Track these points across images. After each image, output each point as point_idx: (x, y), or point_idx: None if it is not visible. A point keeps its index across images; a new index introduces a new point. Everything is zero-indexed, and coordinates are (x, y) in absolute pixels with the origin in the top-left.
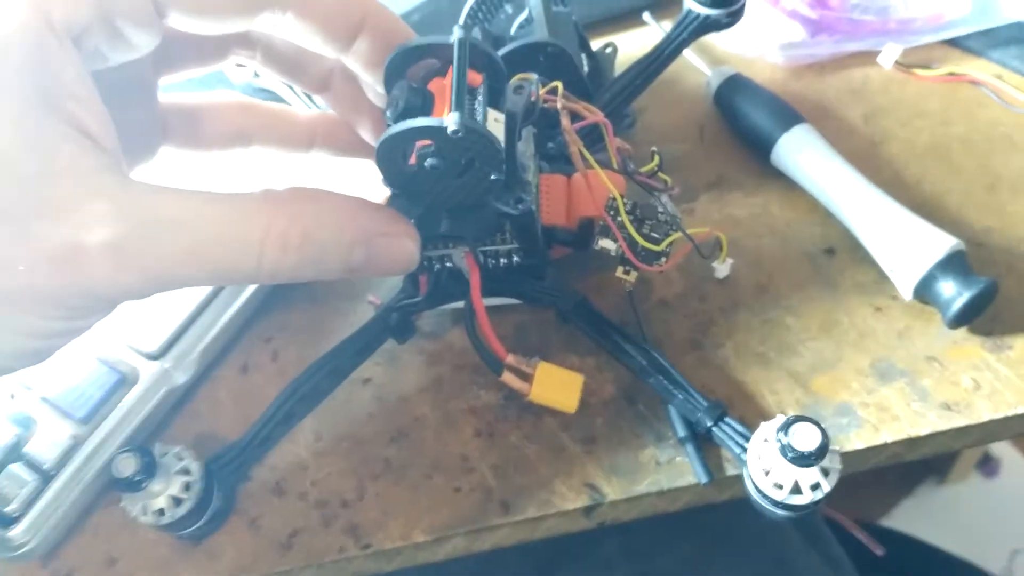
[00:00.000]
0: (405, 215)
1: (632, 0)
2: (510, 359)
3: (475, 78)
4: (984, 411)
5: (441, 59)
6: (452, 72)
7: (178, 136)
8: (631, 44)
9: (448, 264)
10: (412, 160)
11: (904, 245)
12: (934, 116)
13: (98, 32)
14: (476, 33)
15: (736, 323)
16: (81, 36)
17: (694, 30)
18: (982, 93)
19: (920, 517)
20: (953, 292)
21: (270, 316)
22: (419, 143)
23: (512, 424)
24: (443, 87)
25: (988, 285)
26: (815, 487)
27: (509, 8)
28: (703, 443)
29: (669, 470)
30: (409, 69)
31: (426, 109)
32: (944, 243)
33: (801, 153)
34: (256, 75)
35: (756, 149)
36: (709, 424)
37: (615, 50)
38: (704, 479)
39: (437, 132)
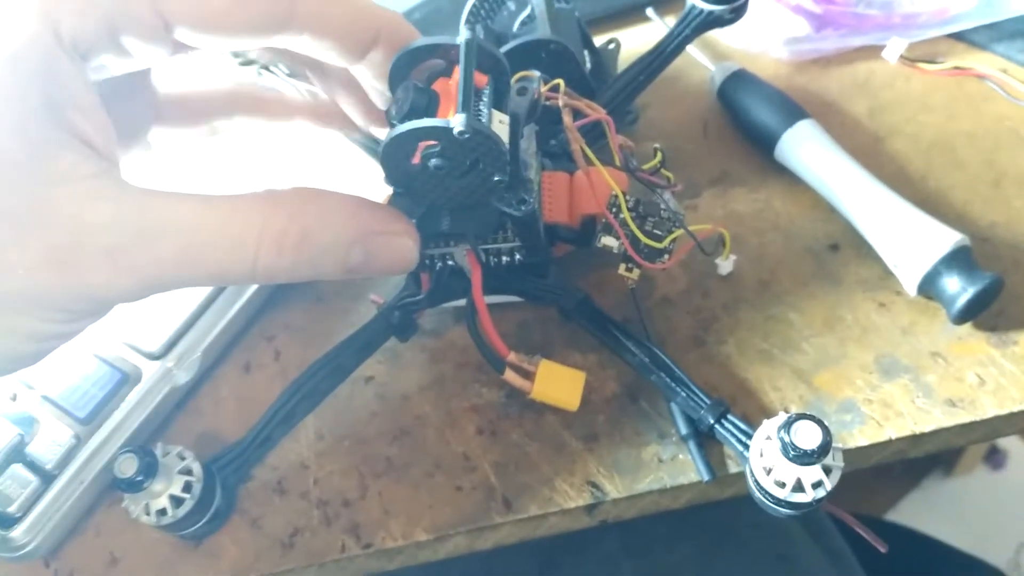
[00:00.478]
0: (407, 214)
1: None
2: (512, 357)
3: (480, 79)
4: (989, 407)
5: (446, 59)
6: (459, 73)
7: (169, 120)
8: (634, 40)
9: (450, 262)
10: (416, 160)
11: (909, 240)
12: (939, 111)
13: (105, 47)
14: (479, 31)
15: (739, 320)
16: (88, 52)
17: (697, 26)
18: (987, 87)
19: (926, 510)
20: (958, 288)
21: (272, 315)
22: (424, 143)
23: (514, 422)
24: (448, 88)
25: (993, 281)
26: (817, 485)
27: (511, 5)
28: (705, 440)
29: (671, 467)
30: (414, 69)
31: (431, 109)
32: (949, 238)
33: (805, 149)
34: (260, 73)
35: (760, 145)
36: (711, 422)
37: (618, 46)
38: (706, 477)
39: (443, 133)
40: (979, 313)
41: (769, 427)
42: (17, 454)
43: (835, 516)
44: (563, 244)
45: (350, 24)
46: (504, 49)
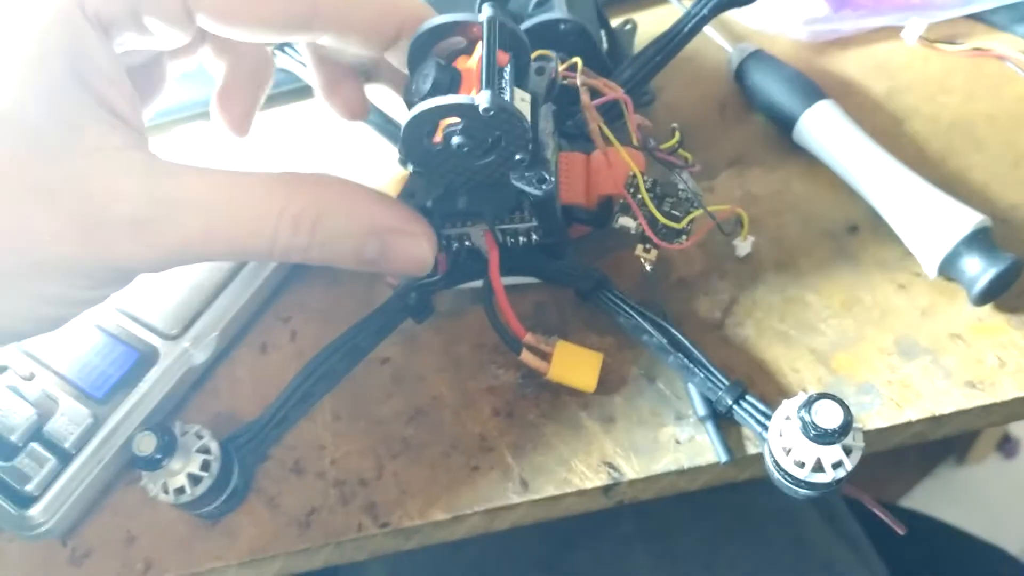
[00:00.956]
0: (425, 194)
1: None
2: (528, 338)
3: (502, 57)
4: (1010, 389)
5: (466, 37)
6: (482, 50)
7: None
8: (651, 21)
9: (467, 243)
10: (437, 139)
11: (929, 221)
12: (958, 92)
13: (128, 24)
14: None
15: (757, 301)
16: (111, 27)
17: (715, 6)
18: (1007, 68)
19: (939, 497)
20: (979, 269)
21: (288, 296)
22: (445, 122)
23: (530, 403)
24: (469, 66)
25: (1014, 262)
26: (837, 465)
27: None
28: (723, 422)
29: (689, 449)
30: (434, 47)
31: (454, 87)
32: (970, 219)
33: (824, 130)
34: (274, 54)
35: (778, 126)
36: (729, 403)
37: (634, 27)
38: (724, 458)
39: (468, 110)
40: (999, 294)
41: (789, 407)
42: (35, 433)
43: (849, 500)
44: (579, 225)
45: (374, 19)
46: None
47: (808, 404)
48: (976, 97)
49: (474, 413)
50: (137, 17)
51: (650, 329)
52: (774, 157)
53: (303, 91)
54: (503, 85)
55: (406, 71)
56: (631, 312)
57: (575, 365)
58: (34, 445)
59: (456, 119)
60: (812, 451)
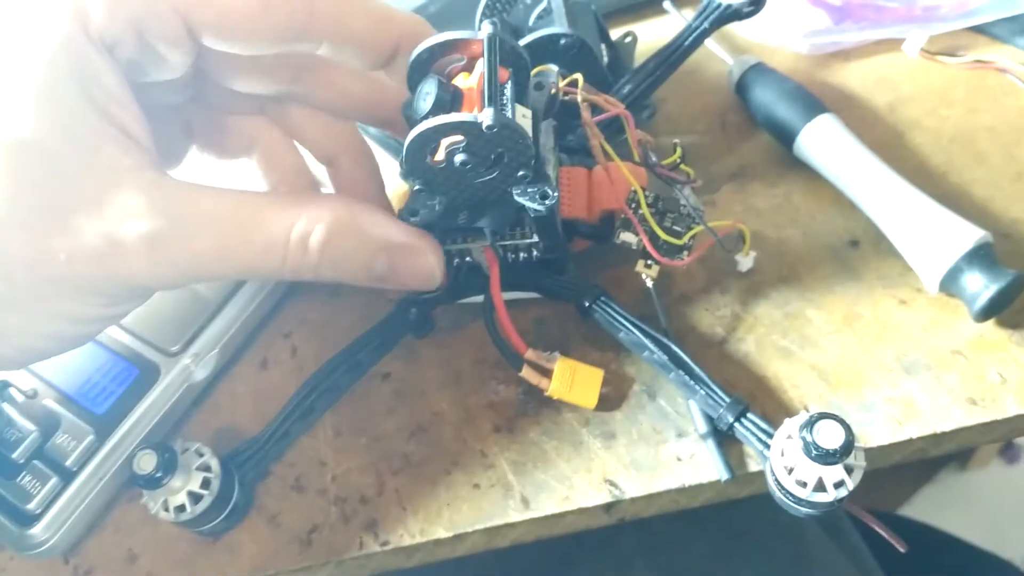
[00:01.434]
0: (426, 210)
1: None
2: (529, 354)
3: (503, 73)
4: (1011, 406)
5: (466, 54)
6: (483, 67)
7: (203, 143)
8: (651, 33)
9: (468, 259)
10: (438, 157)
11: (930, 237)
12: (960, 105)
13: (131, 45)
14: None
15: (758, 317)
16: (115, 47)
17: (715, 20)
18: (1009, 81)
19: (941, 504)
20: (980, 285)
21: (289, 311)
22: (448, 140)
23: (531, 419)
24: (469, 83)
25: (1016, 278)
26: (839, 484)
27: None
28: (724, 439)
29: (690, 466)
30: (433, 65)
31: (455, 105)
32: (971, 235)
33: (824, 144)
34: None
35: (779, 140)
36: (731, 420)
37: (635, 39)
38: (725, 475)
39: (471, 128)
40: (1001, 311)
41: (790, 426)
42: (37, 451)
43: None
44: (581, 240)
45: (370, 32)
46: (521, 43)
47: (809, 424)
48: (978, 110)
49: (475, 429)
50: (140, 37)
51: (651, 346)
52: (775, 171)
53: None
54: (504, 102)
55: (406, 88)
56: (632, 328)
57: (576, 382)
58: (36, 463)
59: (459, 137)
60: (814, 471)
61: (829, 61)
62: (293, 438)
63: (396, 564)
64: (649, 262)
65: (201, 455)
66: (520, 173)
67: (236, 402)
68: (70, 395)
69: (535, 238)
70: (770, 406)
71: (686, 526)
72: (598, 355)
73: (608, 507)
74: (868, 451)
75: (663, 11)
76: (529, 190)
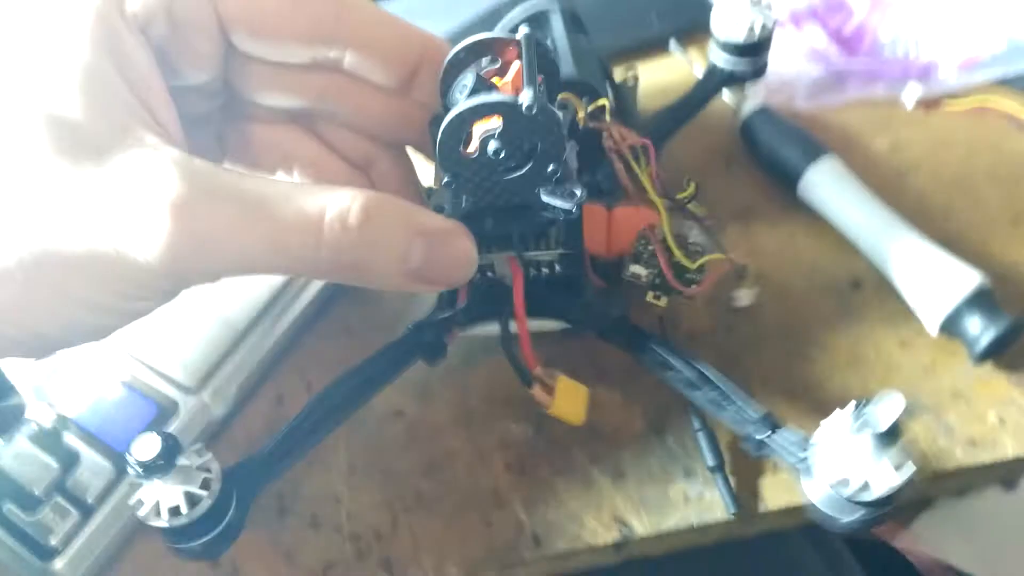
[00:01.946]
0: (452, 207)
1: (659, 29)
2: (538, 370)
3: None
4: (1009, 447)
5: (502, 57)
6: (523, 59)
7: (236, 155)
8: (653, 73)
9: (489, 274)
10: (471, 149)
11: (930, 280)
12: (959, 148)
13: (163, 27)
14: None
15: (762, 356)
16: (147, 27)
17: (720, 82)
18: (1008, 124)
19: (939, 531)
20: (979, 329)
21: (305, 348)
22: (482, 129)
23: (542, 458)
24: (506, 82)
25: (1015, 322)
26: (900, 467)
27: None
28: (739, 467)
29: (698, 505)
30: (469, 67)
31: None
32: (971, 279)
33: (827, 186)
34: None
35: (782, 181)
36: (766, 433)
37: (637, 80)
38: (732, 509)
39: (510, 108)
40: (1000, 353)
41: (837, 420)
42: (58, 486)
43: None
44: (596, 279)
45: (393, 43)
46: None
47: (859, 407)
48: (977, 153)
49: (487, 468)
50: (171, 18)
51: (675, 364)
52: (779, 212)
53: None
54: (542, 91)
55: (435, 99)
56: (654, 347)
57: (571, 400)
58: (57, 498)
59: (494, 125)
60: (869, 462)
61: (830, 107)
62: (296, 457)
63: None
64: (658, 294)
65: (201, 456)
66: (550, 168)
67: (252, 438)
68: (90, 430)
69: (559, 250)
70: None
71: (694, 563)
72: (605, 393)
73: (618, 546)
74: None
75: (665, 52)
76: (557, 189)
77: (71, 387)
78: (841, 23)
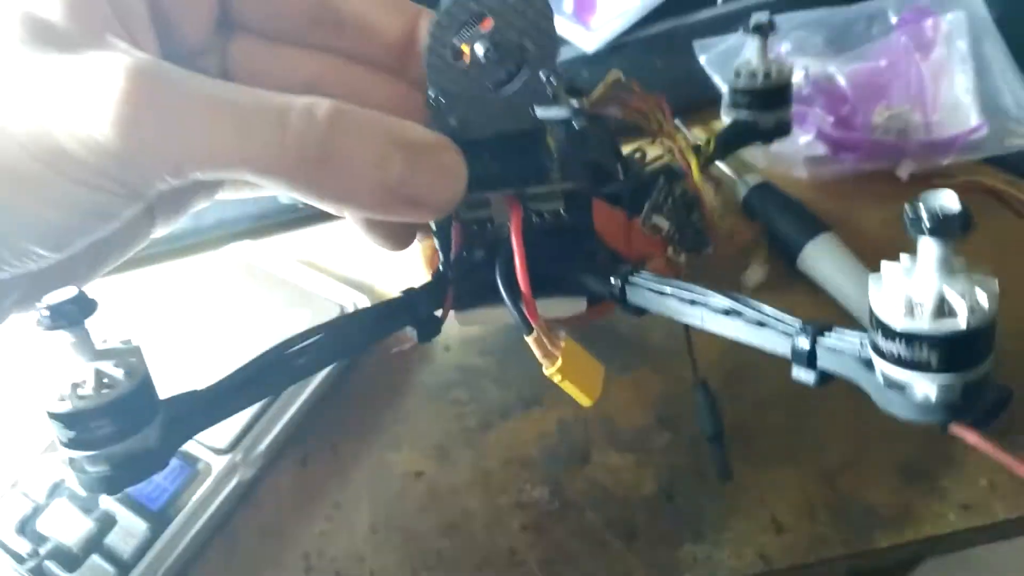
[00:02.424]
0: (440, 128)
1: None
2: (540, 324)
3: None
4: (1000, 511)
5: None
6: None
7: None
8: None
9: (489, 225)
10: (464, 58)
11: None
12: None
13: None
14: None
15: (767, 419)
16: None
17: (742, 136)
18: (995, 200)
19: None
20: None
21: (329, 410)
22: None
23: (557, 519)
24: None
25: (1004, 393)
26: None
27: None
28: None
29: (705, 567)
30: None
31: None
32: None
33: (825, 262)
34: None
35: (783, 254)
36: (813, 334)
37: (644, 155)
38: (725, 477)
39: None
40: (991, 420)
41: (889, 271)
42: (95, 545)
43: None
44: (606, 304)
45: (387, 7)
46: None
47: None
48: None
49: (504, 528)
50: None
51: (710, 296)
52: (780, 283)
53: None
54: None
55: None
56: (679, 290)
57: (580, 369)
58: (94, 556)
59: (485, 29)
60: (929, 287)
61: (828, 179)
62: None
63: None
64: (677, 248)
65: (133, 354)
66: (542, 75)
67: (279, 499)
68: (127, 491)
69: (563, 184)
70: (780, 506)
71: None
72: (617, 456)
73: None
74: (868, 553)
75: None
76: (554, 104)
77: None
78: (837, 104)
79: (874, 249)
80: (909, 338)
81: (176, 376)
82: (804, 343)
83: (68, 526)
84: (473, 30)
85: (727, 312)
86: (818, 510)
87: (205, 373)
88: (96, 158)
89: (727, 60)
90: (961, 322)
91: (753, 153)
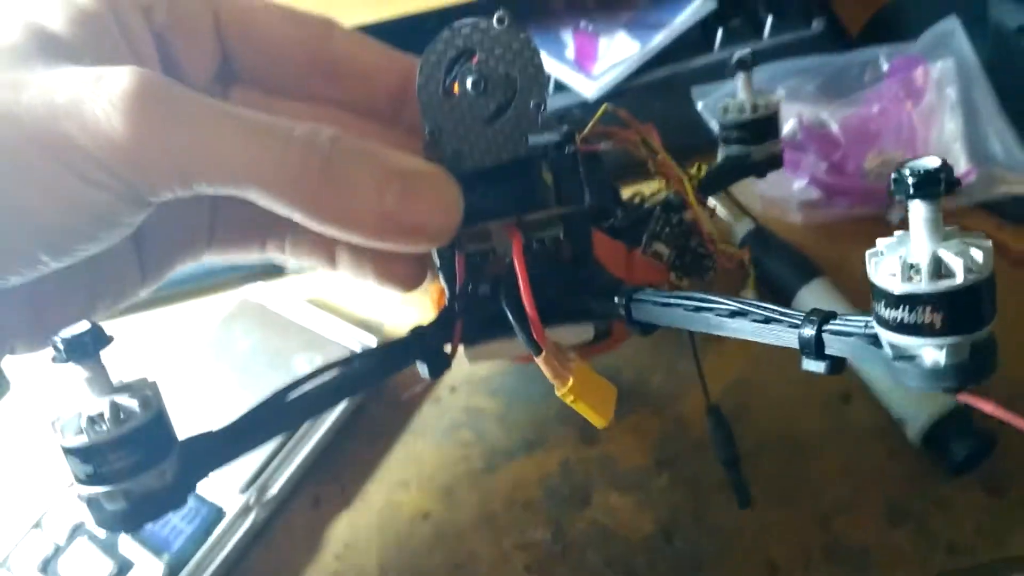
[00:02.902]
0: (435, 158)
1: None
2: (550, 346)
3: None
4: (984, 552)
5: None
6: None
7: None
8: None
9: (491, 254)
10: (454, 90)
11: (910, 397)
12: None
13: (162, 14)
14: None
15: (762, 464)
16: (149, 11)
17: (736, 171)
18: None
19: None
20: (956, 444)
21: (339, 452)
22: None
23: (559, 559)
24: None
25: (988, 438)
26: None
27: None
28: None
29: None
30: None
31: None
32: (947, 399)
33: (818, 305)
34: None
35: (778, 297)
36: (817, 325)
37: (643, 200)
38: (743, 504)
39: (481, 27)
40: (977, 465)
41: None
42: None
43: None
44: (612, 340)
45: (381, 61)
46: None
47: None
48: None
49: (509, 569)
50: (172, 11)
51: (717, 300)
52: None
53: None
54: None
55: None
56: (683, 300)
57: (592, 390)
58: None
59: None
60: (925, 250)
61: (821, 224)
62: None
63: None
64: (679, 275)
65: (149, 390)
66: (533, 103)
67: (291, 539)
68: (145, 533)
69: (560, 209)
70: (777, 551)
71: None
72: (617, 497)
73: None
74: None
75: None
76: (545, 131)
77: None
78: (829, 151)
79: (866, 292)
80: (911, 302)
81: (187, 418)
82: (810, 331)
83: (89, 566)
84: (462, 65)
85: (733, 314)
86: (812, 552)
87: (216, 415)
88: (105, 153)
89: None
90: (959, 278)
91: (749, 197)
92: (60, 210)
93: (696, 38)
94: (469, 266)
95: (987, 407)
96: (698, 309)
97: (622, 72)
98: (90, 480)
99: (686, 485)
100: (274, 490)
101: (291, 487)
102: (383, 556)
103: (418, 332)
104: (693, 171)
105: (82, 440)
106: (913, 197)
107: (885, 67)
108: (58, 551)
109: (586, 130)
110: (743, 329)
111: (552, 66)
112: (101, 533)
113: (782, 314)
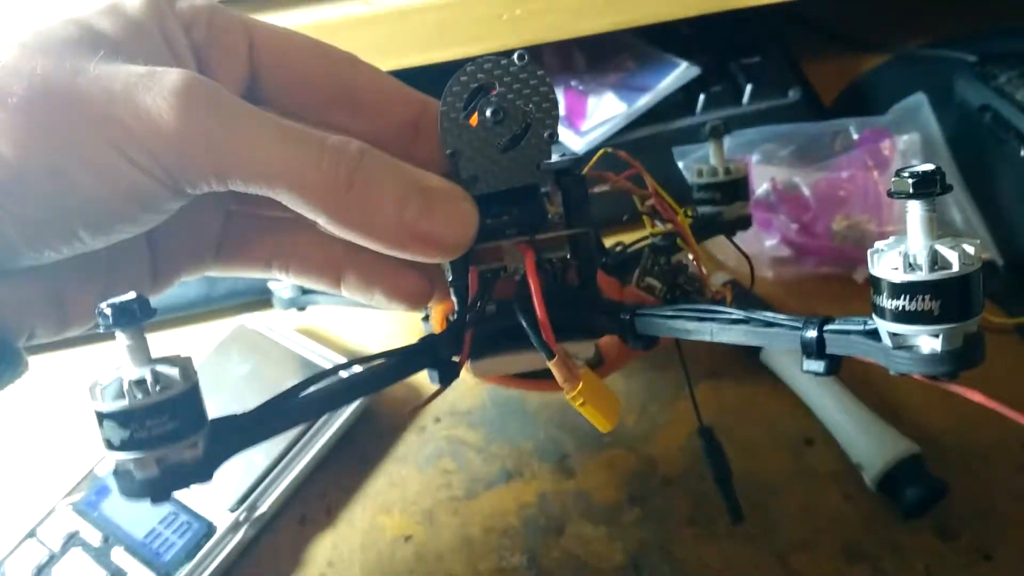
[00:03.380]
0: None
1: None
2: (560, 351)
3: None
4: None
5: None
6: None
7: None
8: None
9: (503, 272)
10: (472, 121)
11: (868, 444)
12: None
13: (202, 32)
14: None
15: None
16: (190, 28)
17: (709, 227)
18: None
19: None
20: (909, 490)
21: (326, 474)
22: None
23: None
24: None
25: (939, 485)
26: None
27: None
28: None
29: None
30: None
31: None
32: (903, 447)
33: (784, 357)
34: None
35: (747, 348)
36: (817, 330)
37: (625, 249)
38: (735, 519)
39: (503, 65)
40: (929, 510)
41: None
42: None
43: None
44: (609, 365)
45: (400, 94)
46: None
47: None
48: None
49: None
50: (210, 27)
51: (718, 310)
52: (745, 373)
53: None
54: None
55: (434, 156)
56: (686, 309)
57: (600, 396)
58: None
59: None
60: (924, 245)
61: (789, 280)
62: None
63: None
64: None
65: (182, 361)
66: (546, 135)
67: (277, 555)
68: (137, 544)
69: (569, 230)
70: None
71: None
72: (591, 527)
73: None
74: None
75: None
76: (555, 157)
77: (119, 505)
78: (800, 212)
79: None
80: (911, 290)
81: None
82: (812, 333)
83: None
84: (483, 97)
85: (736, 322)
86: None
87: None
88: (153, 141)
89: None
90: (955, 267)
91: (724, 254)
92: (105, 188)
93: (679, 101)
94: (480, 281)
95: (976, 396)
96: (703, 319)
97: (608, 130)
98: (124, 446)
99: (655, 520)
100: (263, 509)
101: (279, 506)
102: (365, 575)
103: (429, 340)
104: (680, 216)
105: (122, 404)
106: (912, 197)
107: (855, 137)
108: (52, 559)
109: (585, 169)
110: (747, 335)
111: None
112: (95, 542)
113: (783, 320)
